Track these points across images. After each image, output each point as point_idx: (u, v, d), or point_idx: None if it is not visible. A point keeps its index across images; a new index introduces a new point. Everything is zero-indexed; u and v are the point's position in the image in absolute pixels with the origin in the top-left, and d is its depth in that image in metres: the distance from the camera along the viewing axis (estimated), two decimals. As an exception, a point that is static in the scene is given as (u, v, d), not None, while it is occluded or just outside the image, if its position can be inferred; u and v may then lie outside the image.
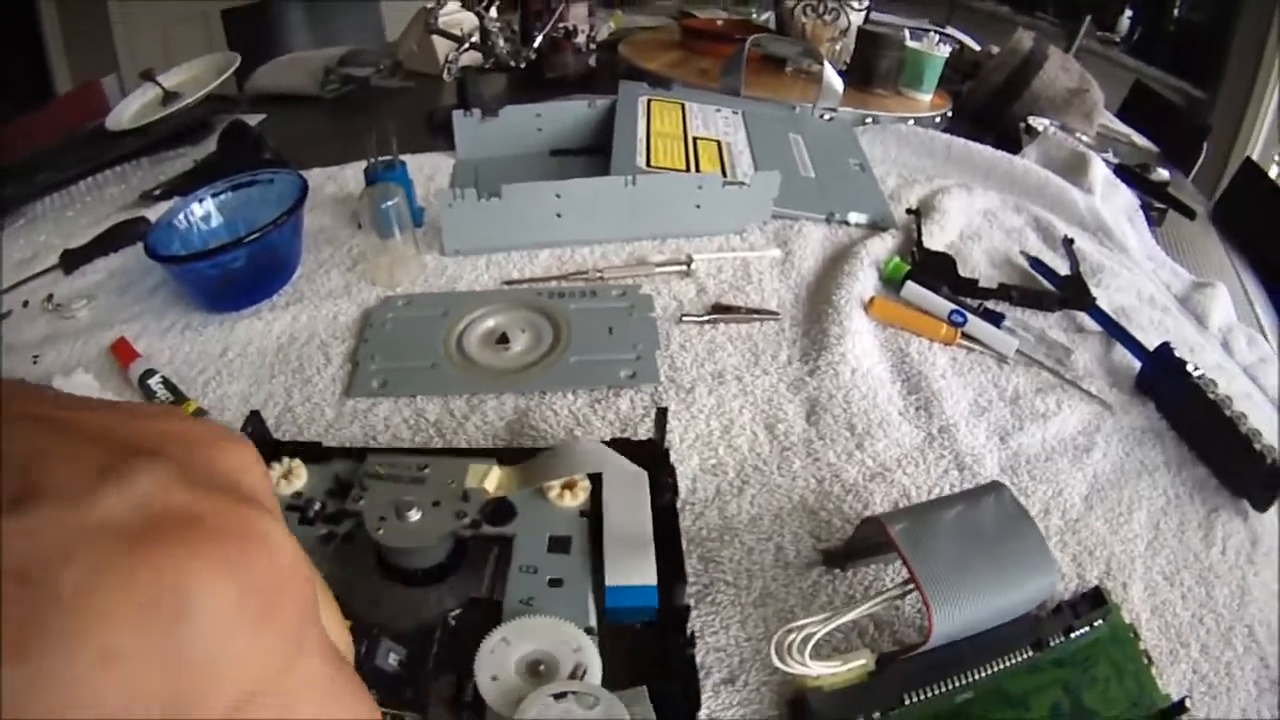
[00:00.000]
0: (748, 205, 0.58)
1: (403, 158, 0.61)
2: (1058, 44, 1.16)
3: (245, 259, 0.50)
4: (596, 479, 0.33)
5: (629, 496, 0.32)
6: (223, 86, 0.84)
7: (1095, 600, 0.34)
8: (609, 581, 0.29)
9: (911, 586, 0.31)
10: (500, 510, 0.32)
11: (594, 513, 0.32)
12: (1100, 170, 0.81)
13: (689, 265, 0.54)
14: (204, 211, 0.55)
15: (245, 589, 0.13)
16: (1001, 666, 0.32)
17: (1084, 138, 0.96)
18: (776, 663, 0.29)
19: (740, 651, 0.32)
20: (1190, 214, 0.84)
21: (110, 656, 0.11)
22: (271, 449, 0.35)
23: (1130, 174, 0.88)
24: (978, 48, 1.24)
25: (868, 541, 0.36)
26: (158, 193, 0.68)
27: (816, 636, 0.29)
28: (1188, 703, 0.30)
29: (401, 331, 0.48)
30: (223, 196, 0.56)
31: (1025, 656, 0.32)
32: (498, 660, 0.26)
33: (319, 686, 0.16)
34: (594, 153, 0.66)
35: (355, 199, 0.61)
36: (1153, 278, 0.65)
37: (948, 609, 0.29)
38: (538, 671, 0.26)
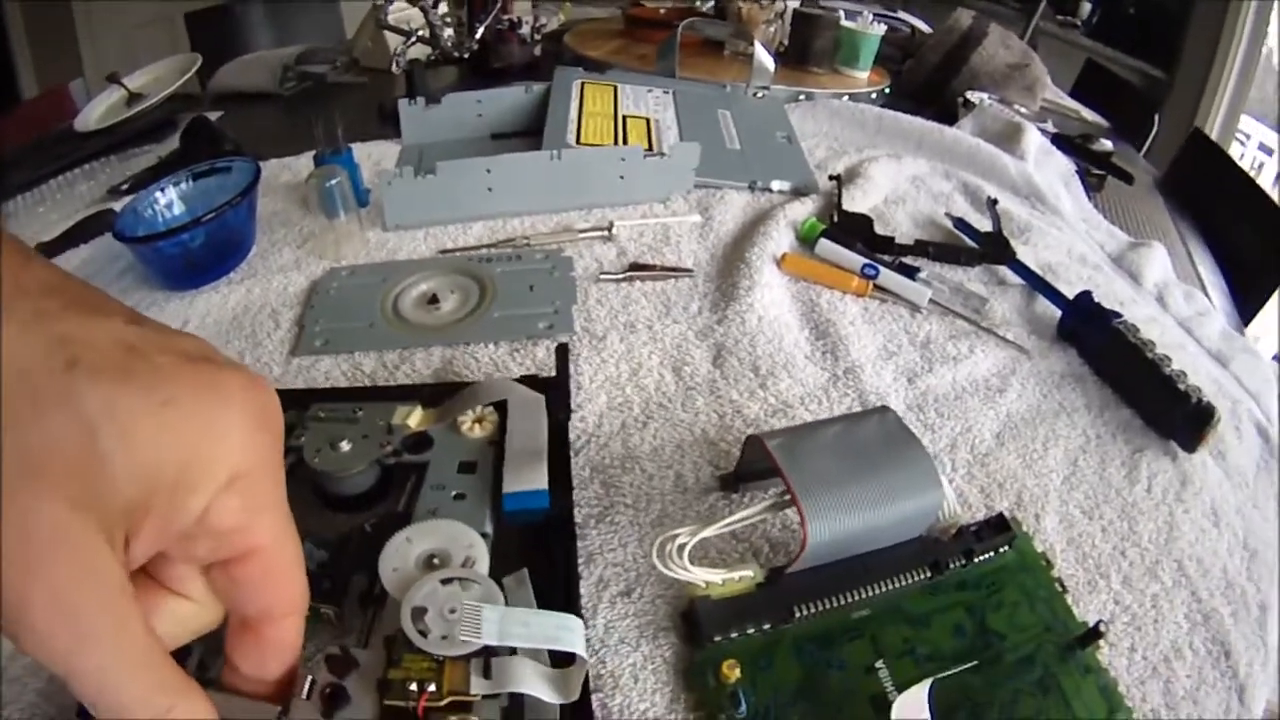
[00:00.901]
0: (669, 175, 0.62)
1: (352, 145, 0.64)
2: (1017, 29, 1.19)
3: (204, 237, 0.53)
4: (504, 416, 0.37)
5: (528, 418, 0.36)
6: (186, 86, 0.88)
7: (1000, 527, 0.35)
8: (506, 489, 0.33)
9: (788, 498, 0.33)
10: (420, 442, 0.37)
11: (500, 442, 0.36)
12: (1034, 138, 0.84)
13: (610, 230, 0.58)
14: (167, 200, 0.59)
15: (253, 403, 0.20)
16: (898, 585, 0.33)
17: (1024, 110, 0.99)
18: (657, 564, 0.32)
19: (637, 567, 0.35)
20: (1128, 179, 0.87)
21: (168, 402, 0.18)
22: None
23: (1069, 142, 0.91)
24: (929, 30, 1.28)
25: (755, 465, 0.39)
26: (124, 187, 0.71)
27: (692, 542, 0.32)
28: (1103, 627, 0.31)
29: (343, 297, 0.52)
30: (184, 186, 0.59)
31: (924, 578, 0.33)
32: (400, 555, 0.30)
33: (277, 505, 0.22)
34: (532, 135, 0.70)
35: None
36: (1085, 238, 0.67)
37: (823, 519, 0.31)
38: (432, 564, 0.30)
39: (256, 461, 0.21)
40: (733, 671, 0.30)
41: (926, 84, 0.97)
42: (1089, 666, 0.31)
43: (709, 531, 0.33)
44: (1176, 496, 0.40)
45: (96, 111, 0.89)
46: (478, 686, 0.25)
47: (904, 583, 0.33)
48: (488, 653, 0.26)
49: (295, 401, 0.37)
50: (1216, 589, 0.36)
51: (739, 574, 0.33)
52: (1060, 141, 0.90)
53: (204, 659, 0.27)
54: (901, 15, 1.30)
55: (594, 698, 0.29)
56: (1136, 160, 1.05)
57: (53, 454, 0.17)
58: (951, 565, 0.34)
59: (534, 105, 0.71)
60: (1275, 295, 0.87)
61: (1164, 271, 0.63)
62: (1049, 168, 0.82)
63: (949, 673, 0.30)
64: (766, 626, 0.32)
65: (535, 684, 0.26)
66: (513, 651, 0.27)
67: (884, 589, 0.33)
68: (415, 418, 0.37)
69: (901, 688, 0.30)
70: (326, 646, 0.26)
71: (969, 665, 0.31)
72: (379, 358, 0.47)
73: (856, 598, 0.33)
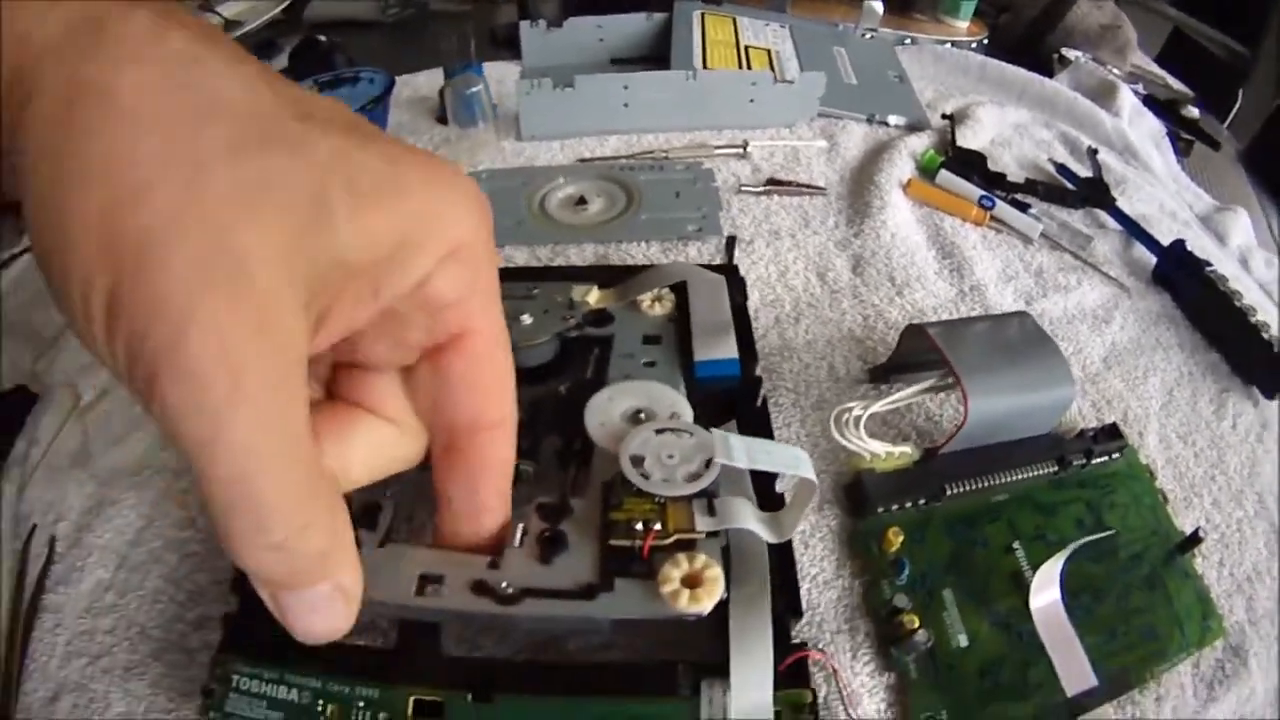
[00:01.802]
0: (796, 102, 0.63)
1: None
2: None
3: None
4: (681, 296, 0.39)
5: (710, 295, 0.38)
6: (282, 15, 0.89)
7: (1113, 434, 0.37)
8: (698, 357, 0.35)
9: (949, 379, 0.36)
10: (601, 317, 0.38)
11: (680, 320, 0.38)
12: (1129, 98, 0.84)
13: (745, 148, 0.60)
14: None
15: (475, 189, 0.19)
16: (1029, 475, 0.35)
17: (1116, 71, 0.99)
18: (834, 433, 0.34)
19: (800, 445, 0.36)
20: (1215, 145, 0.87)
21: (398, 161, 0.17)
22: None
23: (1159, 104, 0.90)
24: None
25: (908, 358, 0.41)
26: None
27: (866, 414, 0.35)
28: (1201, 533, 0.33)
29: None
30: (309, 95, 0.61)
31: (1051, 471, 0.35)
32: (604, 411, 0.32)
33: (494, 289, 0.21)
34: (652, 61, 0.71)
35: (432, 100, 0.66)
36: (1175, 196, 0.68)
37: (981, 398, 0.34)
38: (639, 419, 0.31)
39: (481, 237, 0.19)
40: (896, 538, 0.33)
41: (1024, 37, 0.97)
42: (1188, 572, 0.33)
43: (878, 406, 0.36)
44: (1258, 437, 0.42)
45: (197, 35, 0.91)
46: (703, 524, 0.26)
47: (1034, 473, 0.36)
48: (709, 494, 0.27)
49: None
50: (1292, 524, 0.38)
51: (899, 450, 0.36)
52: (1150, 104, 0.89)
53: (394, 523, 0.28)
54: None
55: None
56: (1220, 130, 1.03)
57: (271, 187, 0.15)
58: (1074, 463, 0.36)
59: (654, 33, 0.72)
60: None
61: (1247, 237, 0.64)
62: (1141, 127, 0.81)
63: (1082, 541, 0.33)
64: (922, 502, 0.34)
65: (753, 522, 0.27)
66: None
67: (1018, 477, 0.35)
68: (594, 295, 0.39)
69: (1035, 567, 0.32)
70: (536, 497, 0.27)
71: (1100, 535, 0.33)
72: (530, 252, 0.49)
73: (996, 482, 0.35)
